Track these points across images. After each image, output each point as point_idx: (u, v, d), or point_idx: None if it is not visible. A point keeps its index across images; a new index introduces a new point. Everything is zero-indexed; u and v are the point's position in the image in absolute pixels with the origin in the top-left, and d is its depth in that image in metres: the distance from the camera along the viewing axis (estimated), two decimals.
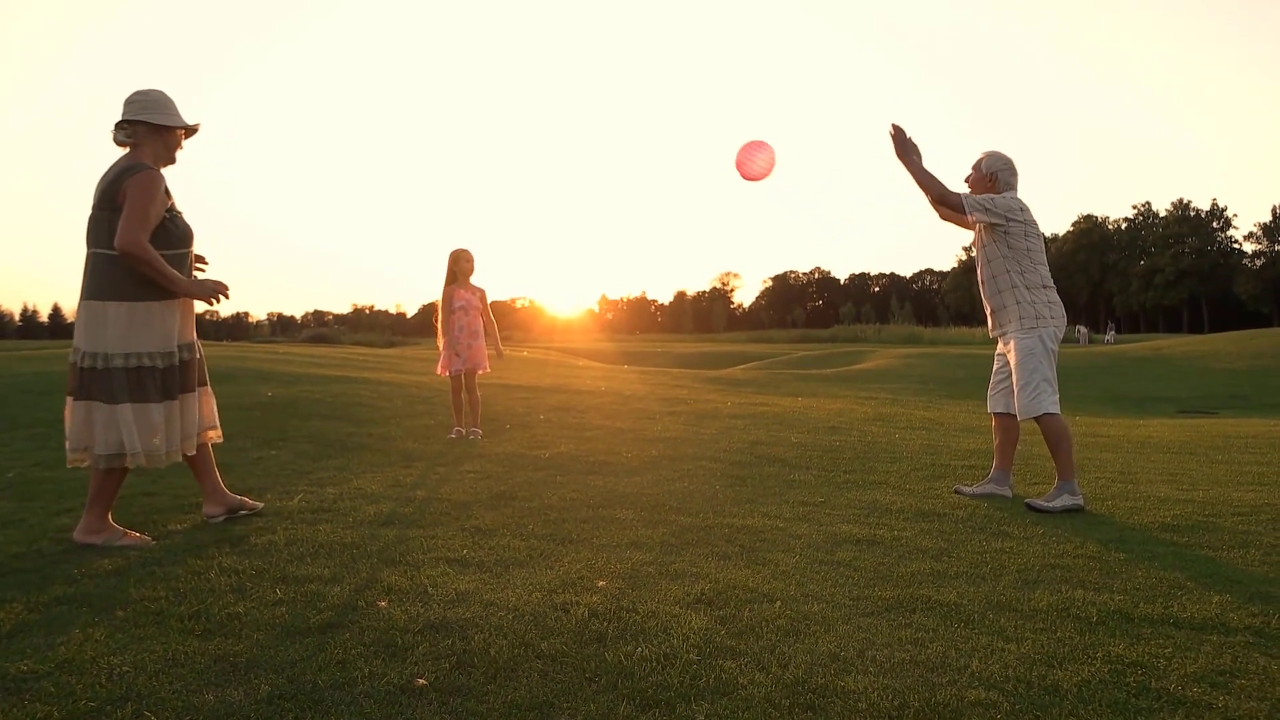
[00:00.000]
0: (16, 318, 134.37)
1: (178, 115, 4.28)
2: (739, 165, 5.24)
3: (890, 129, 5.51)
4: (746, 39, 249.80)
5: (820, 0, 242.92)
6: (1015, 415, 5.53)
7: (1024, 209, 5.44)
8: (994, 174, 5.59)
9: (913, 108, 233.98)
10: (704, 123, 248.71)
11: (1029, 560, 4.03)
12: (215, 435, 4.49)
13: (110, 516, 4.17)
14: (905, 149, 5.51)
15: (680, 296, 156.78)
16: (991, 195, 5.46)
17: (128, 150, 4.21)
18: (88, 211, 4.11)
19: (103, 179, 4.11)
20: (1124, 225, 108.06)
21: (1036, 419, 5.39)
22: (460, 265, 8.06)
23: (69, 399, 4.10)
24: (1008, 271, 5.47)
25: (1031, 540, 4.43)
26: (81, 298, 4.09)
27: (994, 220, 5.38)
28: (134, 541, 4.03)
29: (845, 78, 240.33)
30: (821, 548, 4.17)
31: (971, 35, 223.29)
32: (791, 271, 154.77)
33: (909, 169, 5.50)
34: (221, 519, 4.44)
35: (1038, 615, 3.29)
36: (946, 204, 5.42)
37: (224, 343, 31.81)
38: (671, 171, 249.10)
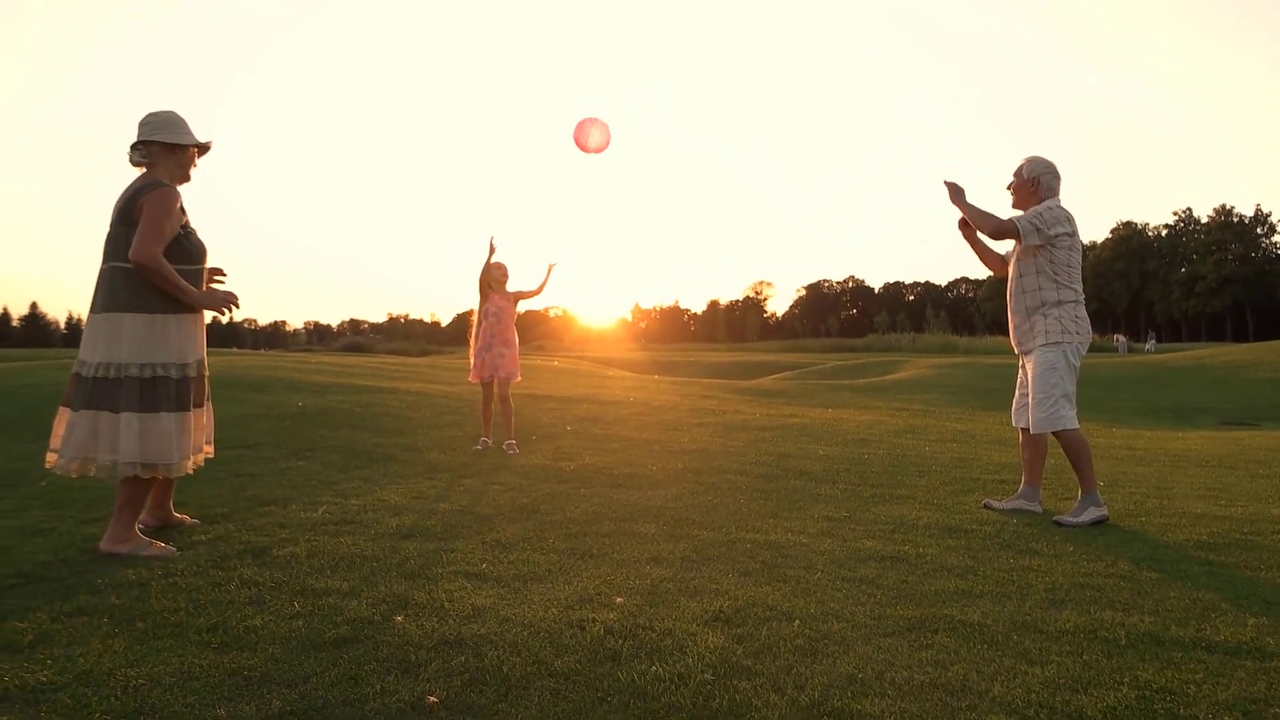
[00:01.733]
0: (62, 325, 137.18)
1: (190, 134, 4.36)
2: (576, 139, 5.90)
3: (945, 184, 5.57)
4: (783, 47, 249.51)
5: (854, 6, 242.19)
6: None
7: (1069, 219, 5.36)
8: (1036, 178, 5.52)
9: (949, 113, 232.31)
10: (738, 130, 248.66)
11: (1057, 579, 3.94)
12: (208, 451, 4.56)
13: (136, 526, 4.21)
14: (957, 195, 5.56)
15: (713, 306, 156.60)
16: (1040, 212, 5.37)
17: (144, 170, 4.30)
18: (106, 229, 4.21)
19: (120, 197, 4.21)
20: (1164, 232, 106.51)
21: (1055, 434, 5.32)
22: (492, 275, 8.08)
23: (64, 409, 4.16)
24: (1040, 287, 5.39)
25: (1060, 558, 4.34)
26: (95, 310, 4.16)
27: (1045, 240, 5.32)
28: (158, 552, 4.07)
29: (880, 86, 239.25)
30: (844, 564, 4.11)
31: (1007, 39, 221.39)
32: (825, 280, 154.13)
33: (965, 212, 5.53)
34: (152, 528, 4.53)
35: (1064, 637, 3.22)
36: (1005, 234, 5.37)
37: (260, 351, 32.17)
38: (706, 180, 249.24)
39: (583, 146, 5.79)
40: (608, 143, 5.80)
